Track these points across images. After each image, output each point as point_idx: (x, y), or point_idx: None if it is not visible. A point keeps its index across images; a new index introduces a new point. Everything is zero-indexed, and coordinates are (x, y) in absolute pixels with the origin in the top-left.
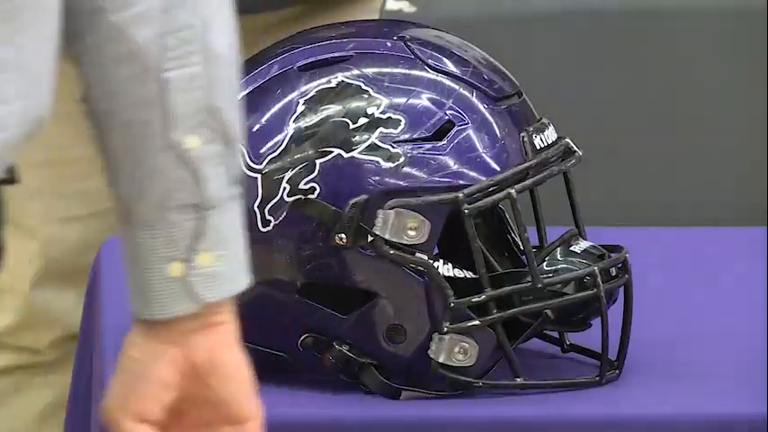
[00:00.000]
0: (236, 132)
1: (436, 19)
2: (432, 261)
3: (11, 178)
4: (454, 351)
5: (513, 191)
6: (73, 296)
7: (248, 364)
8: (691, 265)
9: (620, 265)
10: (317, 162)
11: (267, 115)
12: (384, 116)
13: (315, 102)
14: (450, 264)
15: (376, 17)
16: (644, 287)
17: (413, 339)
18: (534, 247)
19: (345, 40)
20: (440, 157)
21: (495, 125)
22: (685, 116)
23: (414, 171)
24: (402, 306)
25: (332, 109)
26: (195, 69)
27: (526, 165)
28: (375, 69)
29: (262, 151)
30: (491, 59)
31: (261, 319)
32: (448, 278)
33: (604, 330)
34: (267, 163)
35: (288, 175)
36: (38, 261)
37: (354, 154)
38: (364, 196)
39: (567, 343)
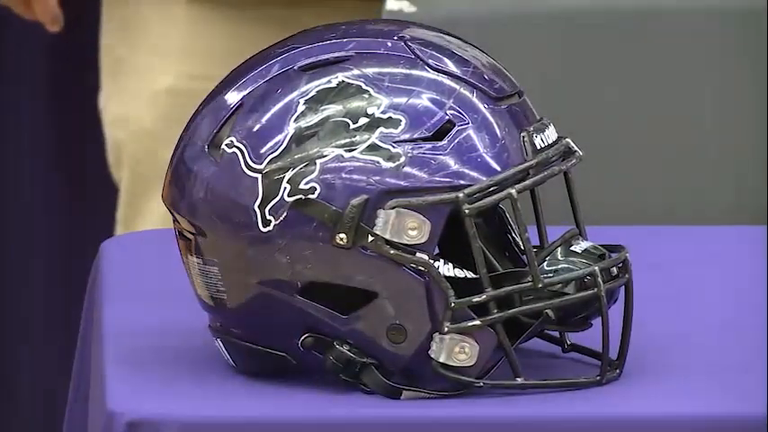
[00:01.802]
0: None
1: (437, 19)
2: (432, 261)
3: None
4: (455, 351)
5: (513, 191)
6: None
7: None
8: (691, 264)
9: (620, 265)
10: (318, 162)
11: (268, 115)
12: (384, 116)
13: (315, 102)
14: (450, 264)
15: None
16: (644, 287)
17: (413, 339)
18: (535, 247)
19: (346, 40)
20: (440, 156)
21: (495, 125)
22: (685, 116)
23: (414, 171)
24: (403, 306)
25: (332, 109)
26: None
27: (527, 165)
28: (375, 69)
29: (262, 151)
30: (491, 59)
31: (261, 319)
32: (448, 278)
33: (605, 330)
34: (268, 163)
35: (288, 174)
36: None
37: (355, 154)
38: (365, 196)
39: (568, 343)
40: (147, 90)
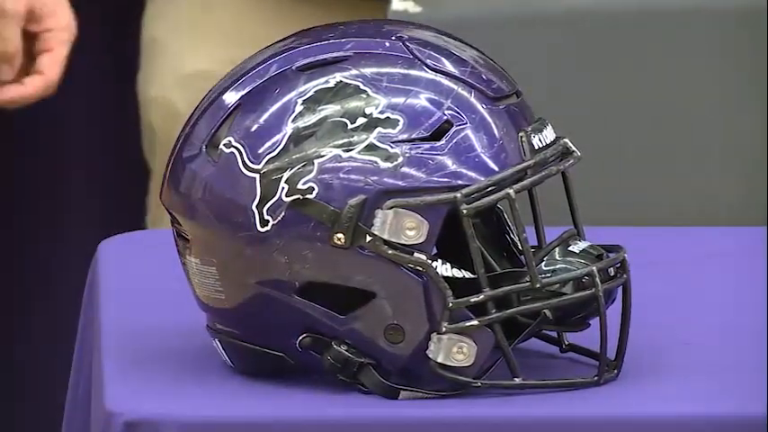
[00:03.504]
0: None
1: (440, 19)
2: (430, 261)
3: None
4: (453, 351)
5: (511, 191)
6: None
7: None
8: (690, 264)
9: (618, 265)
10: (316, 162)
11: (265, 115)
12: (382, 116)
13: (313, 102)
14: (448, 264)
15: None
16: (643, 287)
17: (411, 339)
18: (533, 247)
19: (344, 40)
20: (438, 157)
21: (493, 125)
22: (685, 116)
23: (412, 171)
24: (401, 306)
25: (330, 109)
26: None
27: (524, 165)
28: (373, 69)
29: (260, 151)
30: (489, 59)
31: (259, 319)
32: (446, 278)
33: (603, 330)
34: (265, 163)
35: (286, 174)
36: None
37: (353, 154)
38: (363, 196)
39: (566, 343)
40: (181, 73)
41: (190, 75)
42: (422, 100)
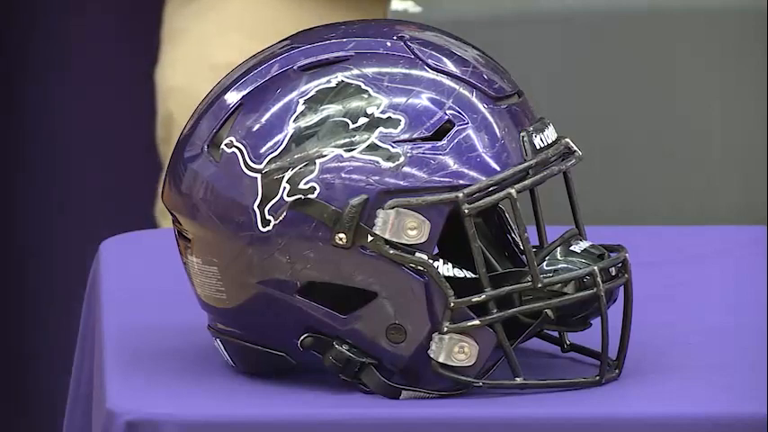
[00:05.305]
0: None
1: (441, 19)
2: (432, 261)
3: None
4: (454, 351)
5: (513, 191)
6: None
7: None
8: (690, 264)
9: (619, 265)
10: (317, 162)
11: (267, 115)
12: (384, 116)
13: (315, 101)
14: (450, 263)
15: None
16: (643, 287)
17: (413, 339)
18: (534, 247)
19: (345, 39)
20: (440, 156)
21: (494, 125)
22: (685, 116)
23: (414, 171)
24: (402, 306)
25: (332, 109)
26: None
27: (526, 164)
28: (375, 69)
29: (262, 151)
30: (491, 59)
31: (261, 319)
32: (448, 278)
33: (604, 330)
34: (267, 162)
35: (288, 174)
36: None
37: (354, 154)
38: (364, 196)
39: (567, 343)
40: (206, 63)
41: (217, 65)
42: (423, 100)
